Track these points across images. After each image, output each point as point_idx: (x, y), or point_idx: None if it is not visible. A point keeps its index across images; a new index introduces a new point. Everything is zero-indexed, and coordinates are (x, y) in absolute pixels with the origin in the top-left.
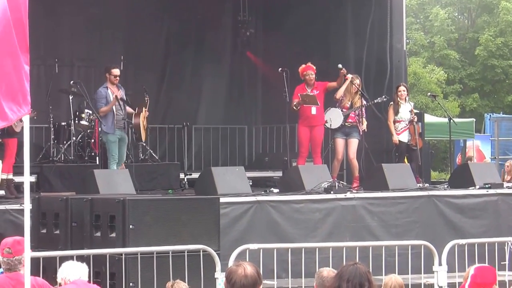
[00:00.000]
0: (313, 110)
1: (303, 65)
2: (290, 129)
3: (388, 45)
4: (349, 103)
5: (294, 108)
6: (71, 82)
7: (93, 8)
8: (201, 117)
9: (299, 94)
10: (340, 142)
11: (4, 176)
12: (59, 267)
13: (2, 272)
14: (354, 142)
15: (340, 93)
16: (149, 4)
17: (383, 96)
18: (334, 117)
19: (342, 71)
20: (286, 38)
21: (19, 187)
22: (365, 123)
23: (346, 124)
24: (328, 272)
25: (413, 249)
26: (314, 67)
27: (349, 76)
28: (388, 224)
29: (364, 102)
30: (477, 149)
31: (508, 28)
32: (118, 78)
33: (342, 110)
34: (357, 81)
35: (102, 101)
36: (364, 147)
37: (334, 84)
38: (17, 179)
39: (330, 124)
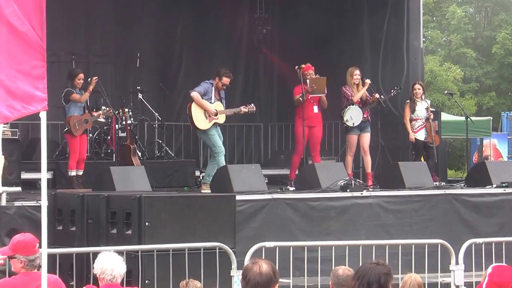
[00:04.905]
0: (315, 109)
1: (303, 66)
2: None
3: (405, 43)
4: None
5: (300, 99)
6: (88, 79)
7: (108, 4)
8: None
9: (308, 81)
10: (353, 138)
11: (73, 173)
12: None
13: None
14: (367, 136)
15: (357, 98)
16: (165, 0)
17: (397, 88)
18: (355, 115)
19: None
20: (302, 35)
21: (35, 183)
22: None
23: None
24: (344, 270)
25: (429, 247)
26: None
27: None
28: (403, 222)
29: (381, 96)
30: (494, 148)
31: None
32: (225, 87)
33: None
34: (357, 72)
35: (203, 92)
36: (380, 145)
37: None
38: (34, 175)
39: (353, 123)
